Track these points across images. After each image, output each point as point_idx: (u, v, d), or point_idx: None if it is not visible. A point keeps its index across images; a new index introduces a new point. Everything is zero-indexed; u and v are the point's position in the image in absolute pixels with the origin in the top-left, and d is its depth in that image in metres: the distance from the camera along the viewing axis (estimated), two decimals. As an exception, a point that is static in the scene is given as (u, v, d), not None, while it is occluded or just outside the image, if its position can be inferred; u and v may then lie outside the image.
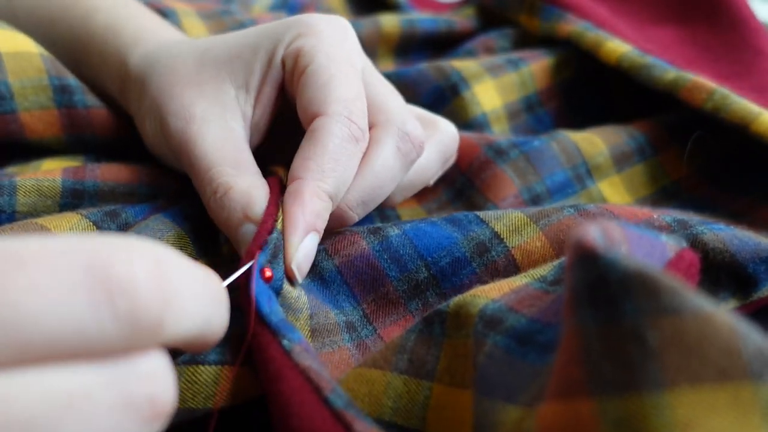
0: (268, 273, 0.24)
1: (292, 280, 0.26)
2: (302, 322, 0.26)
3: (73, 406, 0.14)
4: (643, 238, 0.19)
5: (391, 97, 0.31)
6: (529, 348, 0.19)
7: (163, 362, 0.16)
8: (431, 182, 0.34)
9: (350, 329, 0.27)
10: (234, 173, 0.28)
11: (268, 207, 0.26)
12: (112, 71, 0.35)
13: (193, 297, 0.17)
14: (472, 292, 0.23)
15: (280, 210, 0.26)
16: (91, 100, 0.35)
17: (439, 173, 0.34)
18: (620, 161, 0.38)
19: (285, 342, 0.22)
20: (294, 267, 0.26)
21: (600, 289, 0.15)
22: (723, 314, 0.15)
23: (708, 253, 0.27)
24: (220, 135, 0.29)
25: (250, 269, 0.24)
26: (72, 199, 0.32)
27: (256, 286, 0.23)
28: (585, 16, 0.46)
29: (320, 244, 0.28)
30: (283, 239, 0.26)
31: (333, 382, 0.20)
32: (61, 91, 0.34)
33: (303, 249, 0.26)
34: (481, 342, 0.21)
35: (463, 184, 0.37)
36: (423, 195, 0.38)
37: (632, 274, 0.15)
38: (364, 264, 0.28)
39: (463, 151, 0.38)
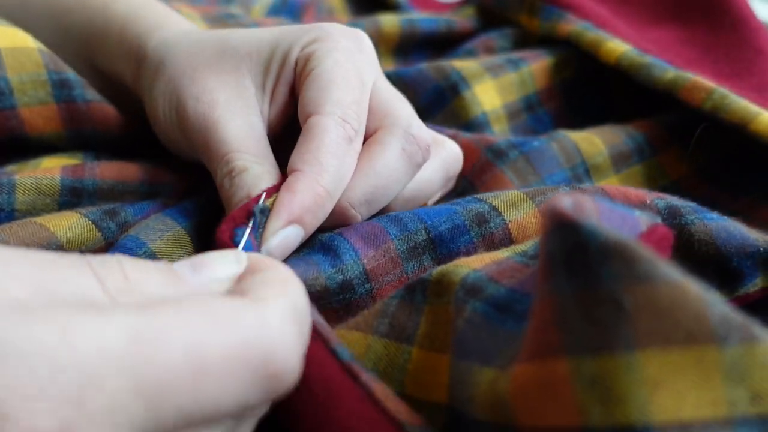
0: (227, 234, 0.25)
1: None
2: None
3: None
4: (615, 212, 0.19)
5: (399, 104, 0.31)
6: (508, 316, 0.20)
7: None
8: (432, 200, 0.34)
9: (345, 290, 0.27)
10: (253, 159, 0.28)
11: (266, 189, 0.27)
12: (130, 56, 0.35)
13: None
14: (454, 262, 0.24)
15: (274, 196, 0.27)
16: (90, 94, 0.35)
17: (440, 193, 0.34)
18: (618, 162, 0.39)
19: None
20: (264, 250, 0.26)
21: (578, 255, 0.16)
22: (693, 283, 0.16)
23: (693, 244, 0.27)
24: (243, 125, 0.29)
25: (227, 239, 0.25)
26: (71, 197, 0.32)
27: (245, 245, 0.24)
28: (585, 16, 0.46)
29: None
30: (269, 218, 0.26)
31: (336, 337, 0.21)
32: (60, 86, 0.34)
33: (281, 236, 0.26)
34: (461, 308, 0.21)
35: (464, 188, 0.37)
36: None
37: (611, 242, 0.16)
38: (365, 225, 0.29)
39: (464, 154, 0.38)
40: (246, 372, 0.17)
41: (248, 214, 0.26)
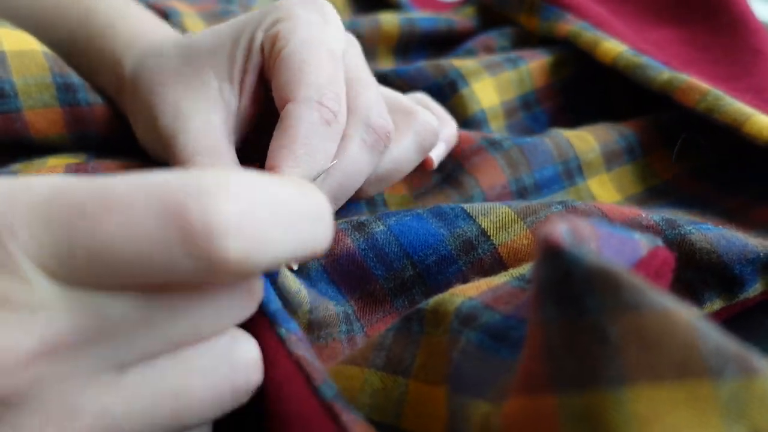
0: None
1: (289, 268, 0.26)
2: (300, 316, 0.26)
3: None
4: (614, 236, 0.19)
5: (360, 88, 0.30)
6: (503, 344, 0.20)
7: (255, 347, 0.20)
8: (408, 172, 0.34)
9: (348, 321, 0.27)
10: (208, 162, 0.28)
11: None
12: (110, 75, 0.35)
13: (280, 225, 0.16)
14: (450, 291, 0.23)
15: None
16: (93, 97, 0.35)
17: (417, 163, 0.34)
18: (610, 160, 0.39)
19: (282, 330, 0.22)
20: None
21: (563, 284, 0.15)
22: (683, 311, 0.15)
23: (695, 253, 0.27)
24: (200, 128, 0.29)
25: None
26: None
27: None
28: (584, 16, 0.46)
29: None
30: None
31: (324, 373, 0.21)
32: (64, 89, 0.34)
33: None
34: (455, 339, 0.21)
35: (453, 169, 0.38)
36: (412, 181, 0.38)
37: (595, 270, 0.15)
38: (349, 263, 0.28)
39: (459, 141, 0.38)
40: (155, 212, 0.15)
41: None
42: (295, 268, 0.27)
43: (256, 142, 0.32)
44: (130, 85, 0.33)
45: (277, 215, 0.16)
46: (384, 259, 0.28)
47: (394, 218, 0.29)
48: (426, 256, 0.28)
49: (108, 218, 0.15)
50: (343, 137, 0.29)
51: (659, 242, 0.22)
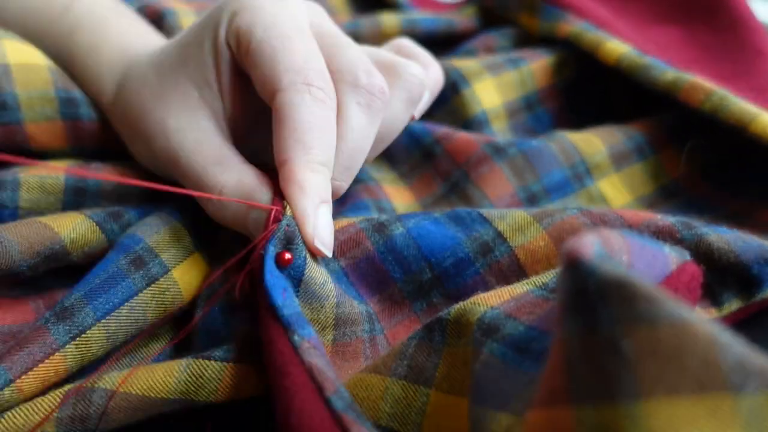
0: (287, 256, 0.24)
1: (320, 256, 0.26)
2: (328, 310, 0.26)
3: None
4: (646, 248, 0.18)
5: (339, 49, 0.30)
6: (525, 356, 0.19)
7: None
8: (400, 130, 0.33)
9: (370, 320, 0.27)
10: (220, 170, 0.28)
11: (272, 200, 0.26)
12: (98, 89, 0.35)
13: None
14: (473, 299, 0.23)
15: (284, 200, 0.26)
16: (95, 112, 0.35)
17: (407, 119, 0.33)
18: (619, 160, 0.39)
19: (295, 337, 0.22)
20: (317, 244, 0.25)
21: (580, 296, 0.15)
22: (702, 324, 0.14)
23: (713, 253, 0.27)
24: (196, 139, 0.29)
25: (263, 260, 0.24)
26: (74, 196, 0.32)
27: (271, 278, 0.23)
28: (585, 16, 0.46)
29: None
30: (296, 222, 0.25)
31: (337, 383, 0.20)
32: (67, 103, 0.34)
33: (320, 224, 0.26)
34: (477, 350, 0.21)
35: (458, 178, 0.37)
36: (418, 190, 0.38)
37: (610, 281, 0.15)
38: (369, 266, 0.28)
39: (461, 147, 0.38)
40: None
41: (272, 233, 0.25)
42: (329, 255, 0.26)
43: (246, 136, 0.31)
44: (116, 110, 0.33)
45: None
46: (402, 261, 0.28)
47: (413, 220, 0.29)
48: (443, 259, 0.28)
49: None
50: (339, 106, 0.28)
51: (687, 256, 0.21)
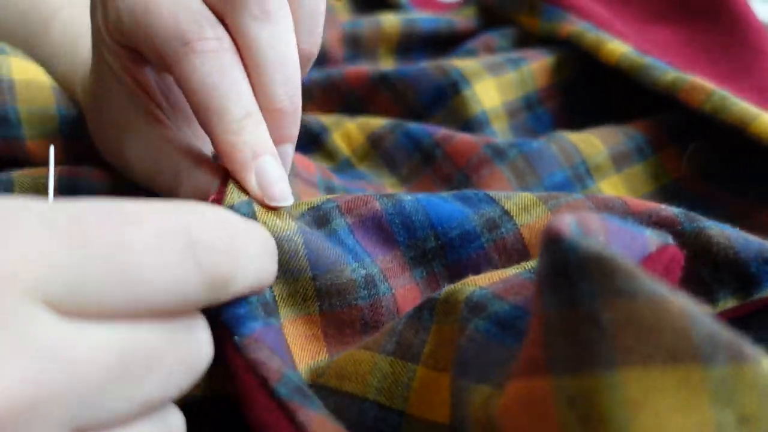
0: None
1: (279, 209, 0.25)
2: (305, 282, 0.25)
3: (150, 357, 0.17)
4: (624, 230, 0.19)
5: None
6: (509, 332, 0.20)
7: (206, 325, 0.20)
8: None
9: (369, 285, 0.26)
10: (175, 185, 0.27)
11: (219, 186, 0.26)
12: (72, 90, 0.35)
13: (254, 256, 0.21)
14: (463, 281, 0.24)
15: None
16: None
17: None
18: (619, 161, 0.39)
19: (235, 338, 0.22)
20: (267, 201, 0.25)
21: (561, 270, 0.16)
22: (676, 298, 0.15)
23: (712, 246, 0.27)
24: (163, 151, 0.27)
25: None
26: (68, 196, 0.32)
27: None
28: (585, 16, 0.46)
29: (334, 201, 0.28)
30: (244, 190, 0.25)
31: (282, 369, 0.21)
32: (68, 122, 0.34)
33: (266, 178, 0.25)
34: (463, 326, 0.21)
35: (459, 181, 0.37)
36: (419, 191, 0.38)
37: (591, 256, 0.15)
38: (374, 225, 0.28)
39: (461, 149, 0.38)
40: (171, 242, 0.17)
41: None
42: (289, 202, 0.26)
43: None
44: (89, 116, 0.32)
45: (254, 247, 0.21)
46: (409, 226, 0.28)
47: (422, 195, 0.29)
48: (450, 229, 0.28)
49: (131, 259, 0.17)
50: (245, 36, 0.25)
51: (669, 240, 0.22)
